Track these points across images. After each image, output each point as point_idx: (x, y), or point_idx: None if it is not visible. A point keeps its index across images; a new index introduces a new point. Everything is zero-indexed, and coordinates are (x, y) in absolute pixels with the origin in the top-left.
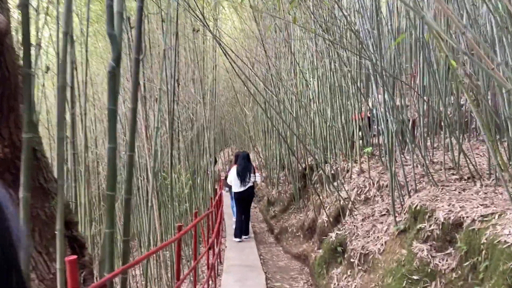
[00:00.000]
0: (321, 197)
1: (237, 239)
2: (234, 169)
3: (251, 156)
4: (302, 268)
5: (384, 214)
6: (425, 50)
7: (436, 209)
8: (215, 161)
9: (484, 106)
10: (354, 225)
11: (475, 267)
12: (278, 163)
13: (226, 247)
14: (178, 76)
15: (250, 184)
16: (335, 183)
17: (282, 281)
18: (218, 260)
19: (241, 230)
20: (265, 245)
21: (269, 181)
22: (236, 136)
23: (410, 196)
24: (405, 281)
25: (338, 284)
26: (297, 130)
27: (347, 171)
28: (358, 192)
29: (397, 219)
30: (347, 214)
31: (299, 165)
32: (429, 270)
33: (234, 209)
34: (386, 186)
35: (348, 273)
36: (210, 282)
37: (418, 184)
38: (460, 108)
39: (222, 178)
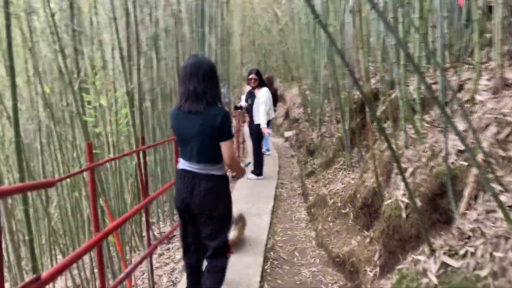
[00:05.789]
0: (393, 144)
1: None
2: (266, 92)
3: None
4: None
5: None
6: None
7: None
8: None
9: None
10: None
11: None
12: (322, 91)
13: None
14: None
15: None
16: (432, 114)
17: None
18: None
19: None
20: (289, 223)
21: (309, 121)
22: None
23: None
24: None
25: None
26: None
27: (459, 88)
28: (494, 134)
29: None
30: (469, 196)
31: (355, 91)
32: None
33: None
34: None
35: None
36: None
37: None
38: None
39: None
